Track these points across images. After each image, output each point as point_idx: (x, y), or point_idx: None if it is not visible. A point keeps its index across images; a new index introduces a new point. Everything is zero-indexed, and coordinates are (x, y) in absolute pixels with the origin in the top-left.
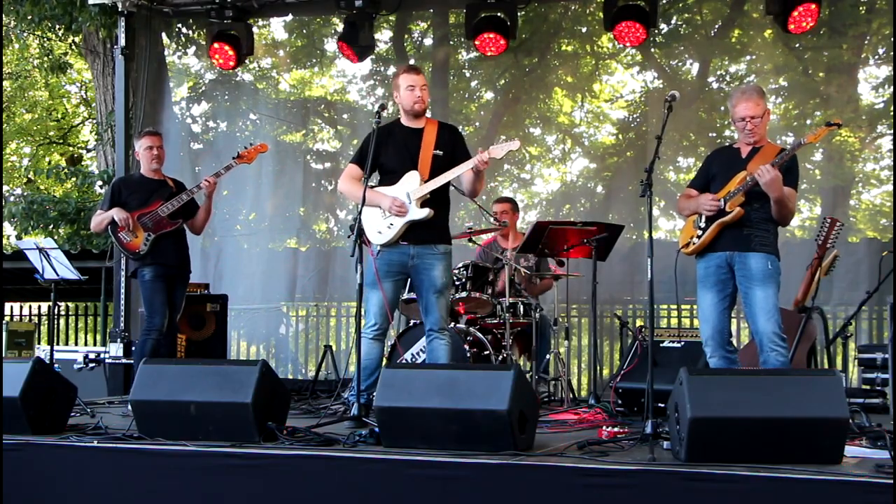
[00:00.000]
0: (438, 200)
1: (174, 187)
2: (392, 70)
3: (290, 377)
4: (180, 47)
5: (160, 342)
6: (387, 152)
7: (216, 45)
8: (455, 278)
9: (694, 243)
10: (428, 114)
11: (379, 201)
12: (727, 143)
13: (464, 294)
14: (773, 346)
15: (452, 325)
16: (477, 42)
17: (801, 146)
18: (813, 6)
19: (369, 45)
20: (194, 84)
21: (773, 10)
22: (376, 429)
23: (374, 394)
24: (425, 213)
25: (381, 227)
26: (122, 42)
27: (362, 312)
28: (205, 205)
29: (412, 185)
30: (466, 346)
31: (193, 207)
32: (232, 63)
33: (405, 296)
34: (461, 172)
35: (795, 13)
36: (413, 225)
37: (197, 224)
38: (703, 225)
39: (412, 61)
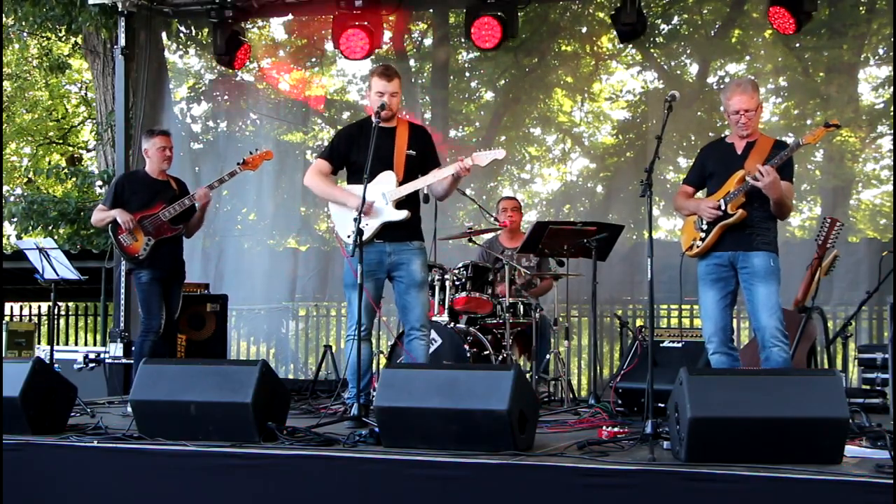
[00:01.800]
0: (412, 200)
1: (177, 189)
2: None
3: (291, 377)
4: (181, 47)
5: (157, 343)
6: (358, 151)
7: (245, 48)
8: (455, 278)
9: (698, 246)
10: (428, 115)
11: (346, 200)
12: (720, 137)
13: (464, 294)
14: (776, 341)
15: (452, 325)
16: (473, 30)
17: (800, 147)
18: (791, 20)
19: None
20: (194, 84)
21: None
22: (376, 429)
23: (369, 394)
24: (403, 214)
25: (352, 229)
26: (122, 42)
27: (354, 313)
28: (198, 214)
29: (388, 186)
30: (466, 346)
31: (192, 210)
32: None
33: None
34: (441, 177)
35: (772, 10)
36: (387, 224)
37: (189, 229)
38: (704, 227)
39: (412, 61)
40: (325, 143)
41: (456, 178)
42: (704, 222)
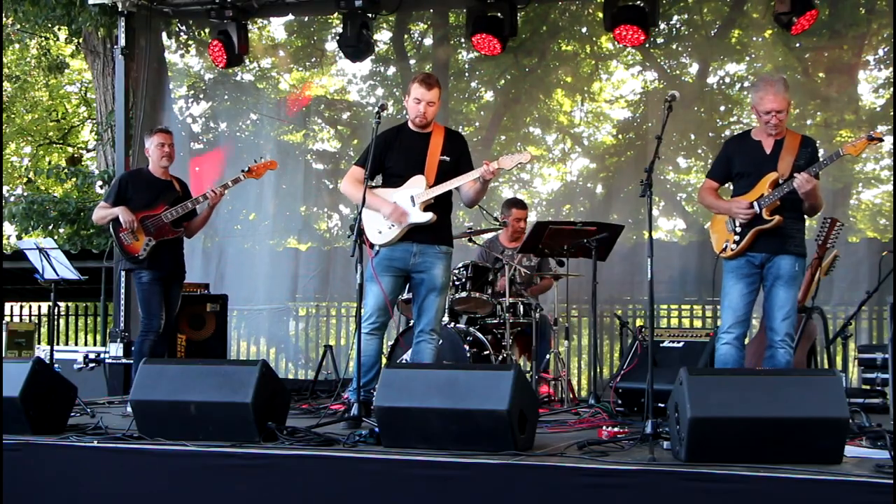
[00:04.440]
0: (441, 204)
1: (180, 190)
2: (392, 70)
3: (291, 377)
4: (181, 47)
5: (157, 343)
6: (393, 156)
7: (214, 43)
8: (455, 278)
9: (732, 249)
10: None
11: (380, 207)
12: (743, 131)
13: (464, 294)
14: (784, 344)
15: (452, 325)
16: (473, 40)
17: (841, 156)
18: (814, 11)
19: (367, 47)
20: (194, 84)
21: (780, 14)
22: (376, 429)
23: (373, 389)
24: (428, 217)
25: (381, 227)
26: (122, 42)
27: (367, 307)
28: (205, 213)
29: (417, 189)
30: (466, 346)
31: (193, 212)
32: (223, 62)
33: (405, 295)
34: (467, 181)
35: (798, 21)
36: (414, 227)
37: (192, 228)
38: (738, 230)
39: (412, 61)
40: (326, 144)
41: (483, 182)
42: (738, 224)
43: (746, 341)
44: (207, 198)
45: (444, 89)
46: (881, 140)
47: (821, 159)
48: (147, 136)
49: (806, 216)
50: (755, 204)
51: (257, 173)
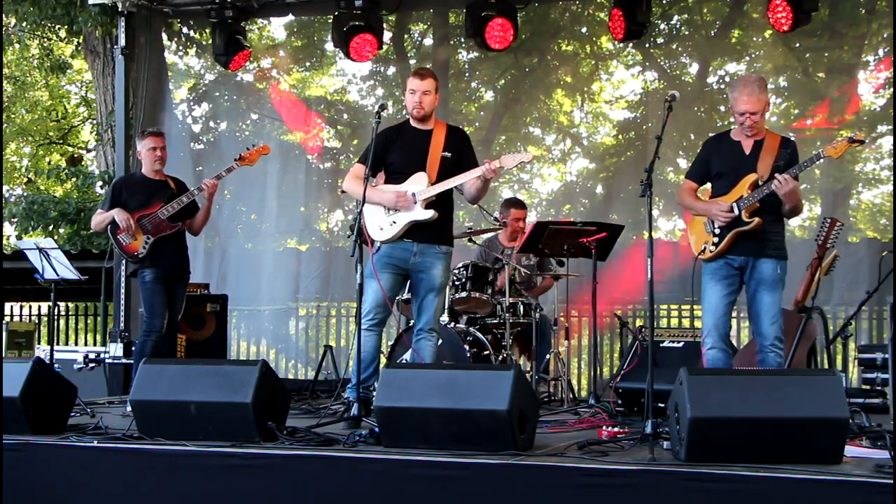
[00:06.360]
0: (443, 202)
1: (175, 188)
2: (392, 70)
3: (291, 377)
4: (181, 47)
5: (160, 343)
6: (395, 153)
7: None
8: (455, 278)
9: (711, 250)
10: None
11: (382, 199)
12: (723, 131)
13: (464, 294)
14: (773, 348)
15: (452, 325)
16: (486, 34)
17: (821, 159)
18: (780, 9)
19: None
20: (194, 84)
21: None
22: (376, 429)
23: (372, 387)
24: (429, 214)
25: (383, 224)
26: (122, 42)
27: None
28: (205, 206)
29: (419, 186)
30: (466, 346)
31: (193, 208)
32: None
33: (404, 296)
34: (468, 179)
35: (773, 4)
36: (416, 224)
37: (196, 225)
38: (717, 231)
39: (413, 61)
40: (326, 144)
41: (485, 181)
42: (717, 226)
43: (740, 348)
44: (202, 189)
45: (444, 89)
46: (862, 142)
47: (800, 161)
48: (139, 139)
49: (786, 218)
50: (734, 205)
51: (250, 160)
